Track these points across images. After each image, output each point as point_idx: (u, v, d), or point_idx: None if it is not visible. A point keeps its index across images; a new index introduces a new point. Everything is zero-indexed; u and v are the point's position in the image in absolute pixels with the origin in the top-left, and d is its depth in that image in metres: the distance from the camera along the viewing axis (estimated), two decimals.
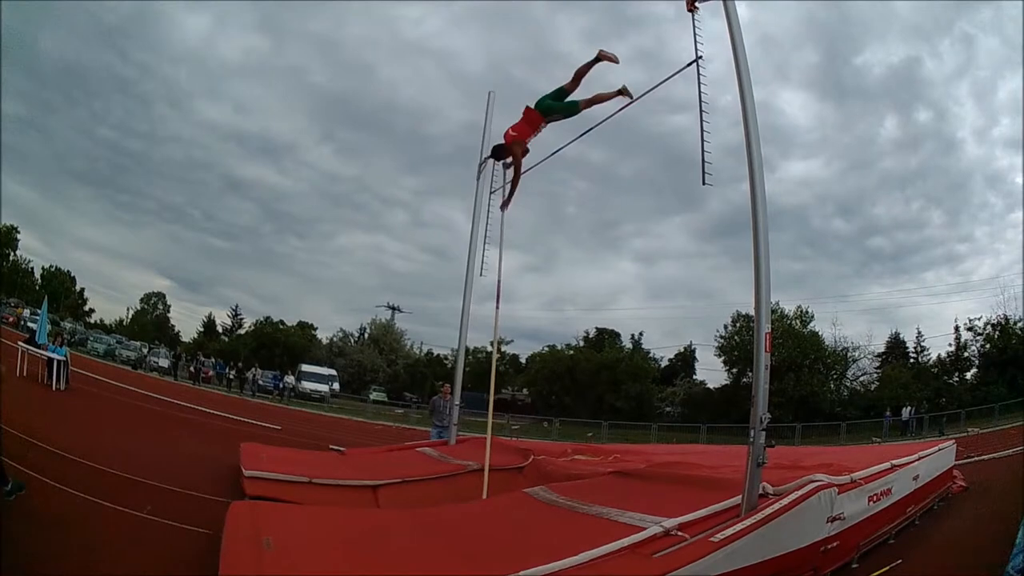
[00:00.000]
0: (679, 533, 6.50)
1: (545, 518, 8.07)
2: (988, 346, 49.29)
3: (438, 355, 77.28)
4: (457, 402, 16.46)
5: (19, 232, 79.11)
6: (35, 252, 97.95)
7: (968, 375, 51.34)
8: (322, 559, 6.08)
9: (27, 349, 22.70)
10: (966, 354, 51.87)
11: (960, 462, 14.58)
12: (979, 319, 51.04)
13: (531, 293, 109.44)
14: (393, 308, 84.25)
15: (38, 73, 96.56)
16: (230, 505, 7.72)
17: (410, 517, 8.23)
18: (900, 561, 8.29)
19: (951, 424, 35.76)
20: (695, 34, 9.13)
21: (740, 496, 7.24)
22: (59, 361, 21.44)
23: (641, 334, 70.83)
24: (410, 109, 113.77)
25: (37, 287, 78.38)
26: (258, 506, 8.04)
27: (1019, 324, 47.89)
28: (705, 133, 8.70)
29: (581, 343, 70.03)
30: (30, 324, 40.41)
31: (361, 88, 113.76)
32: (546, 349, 70.95)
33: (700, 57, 9.01)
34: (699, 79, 8.97)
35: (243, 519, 7.01)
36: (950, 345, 53.51)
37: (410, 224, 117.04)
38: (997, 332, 49.05)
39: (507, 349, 75.49)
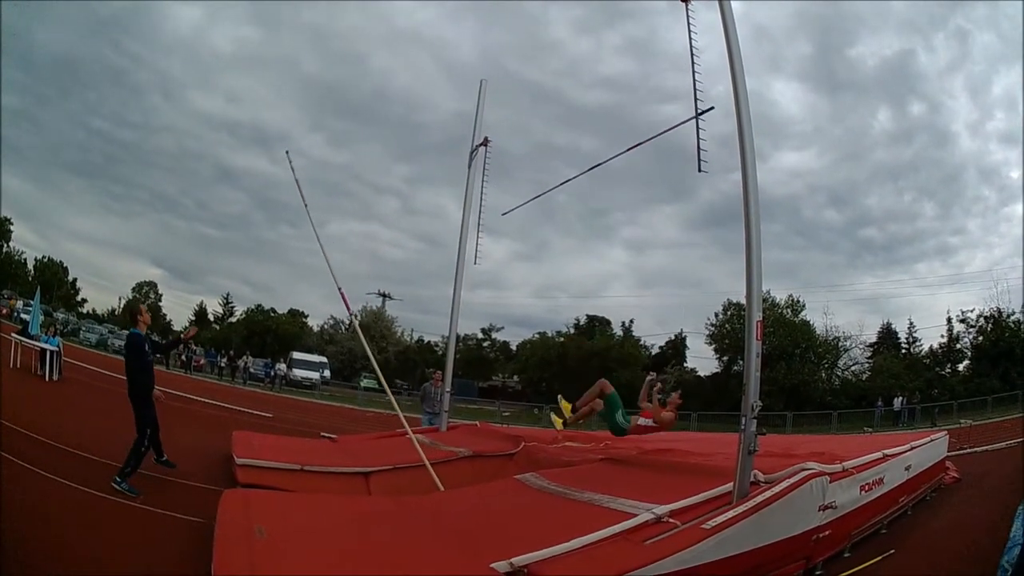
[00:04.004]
0: (670, 520, 6.52)
1: (536, 504, 8.10)
2: (981, 338, 49.32)
3: (429, 342, 77.36)
4: (448, 389, 16.48)
5: (12, 223, 78.95)
6: (28, 243, 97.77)
7: (960, 367, 51.53)
8: (314, 546, 6.08)
9: (20, 340, 22.72)
10: (958, 346, 52.01)
11: (952, 453, 14.60)
12: (972, 311, 51.13)
13: (522, 281, 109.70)
14: (384, 295, 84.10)
15: (32, 65, 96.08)
16: (223, 493, 7.73)
17: (402, 504, 8.25)
18: (893, 551, 8.28)
19: (943, 415, 35.80)
20: (688, 25, 9.12)
21: (731, 483, 7.27)
22: (52, 352, 21.45)
23: (632, 322, 70.99)
24: (402, 98, 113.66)
25: (30, 278, 78.06)
26: (250, 494, 8.03)
27: (1012, 317, 48.06)
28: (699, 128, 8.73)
29: (572, 330, 70.12)
30: (23, 315, 40.36)
31: (353, 77, 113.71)
32: (537, 336, 71.05)
33: (695, 46, 9.01)
34: (693, 70, 8.97)
35: (236, 507, 7.01)
36: (942, 337, 53.63)
37: (401, 212, 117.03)
38: (990, 325, 49.12)
39: (498, 336, 76.38)
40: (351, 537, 6.63)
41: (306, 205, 13.88)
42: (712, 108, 8.82)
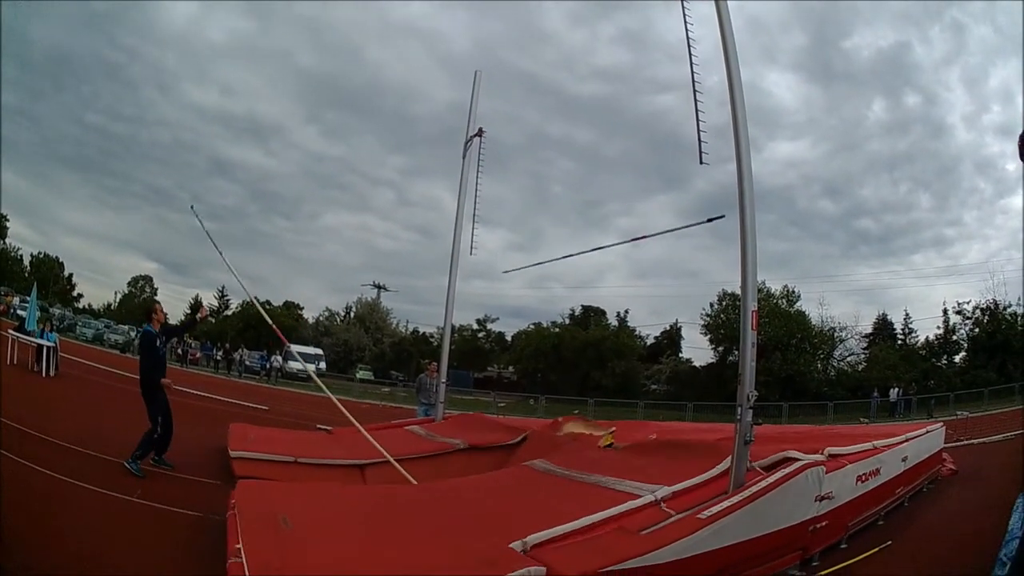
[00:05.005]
0: (666, 508, 6.55)
1: (546, 488, 8.18)
2: (977, 330, 49.32)
3: (424, 333, 77.76)
4: (443, 380, 16.50)
5: (8, 220, 78.88)
6: (24, 239, 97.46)
7: (957, 358, 51.51)
8: (338, 535, 6.15)
9: (17, 337, 22.76)
10: (955, 337, 51.89)
11: (949, 445, 14.58)
12: (968, 303, 51.05)
13: (517, 271, 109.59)
14: (379, 287, 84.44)
15: (27, 60, 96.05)
16: (237, 484, 7.78)
17: (420, 489, 8.53)
18: (890, 543, 8.28)
19: (940, 407, 35.60)
20: (684, 13, 9.12)
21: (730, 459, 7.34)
22: (48, 347, 21.39)
23: (627, 312, 70.89)
24: (396, 90, 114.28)
25: (26, 274, 77.96)
26: (267, 485, 8.05)
27: (1009, 309, 48.12)
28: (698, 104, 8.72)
29: (567, 321, 70.01)
30: (19, 312, 40.29)
31: (347, 69, 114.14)
32: (532, 327, 70.89)
33: (692, 39, 9.00)
34: (690, 55, 8.97)
35: (255, 498, 7.05)
36: (938, 328, 53.54)
37: (396, 203, 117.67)
38: (986, 317, 49.08)
39: (493, 327, 76.62)
40: (374, 523, 6.70)
41: (221, 253, 13.72)
42: (723, 216, 8.88)
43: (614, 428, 12.30)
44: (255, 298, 13.32)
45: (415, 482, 9.56)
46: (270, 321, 14.04)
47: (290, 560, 5.28)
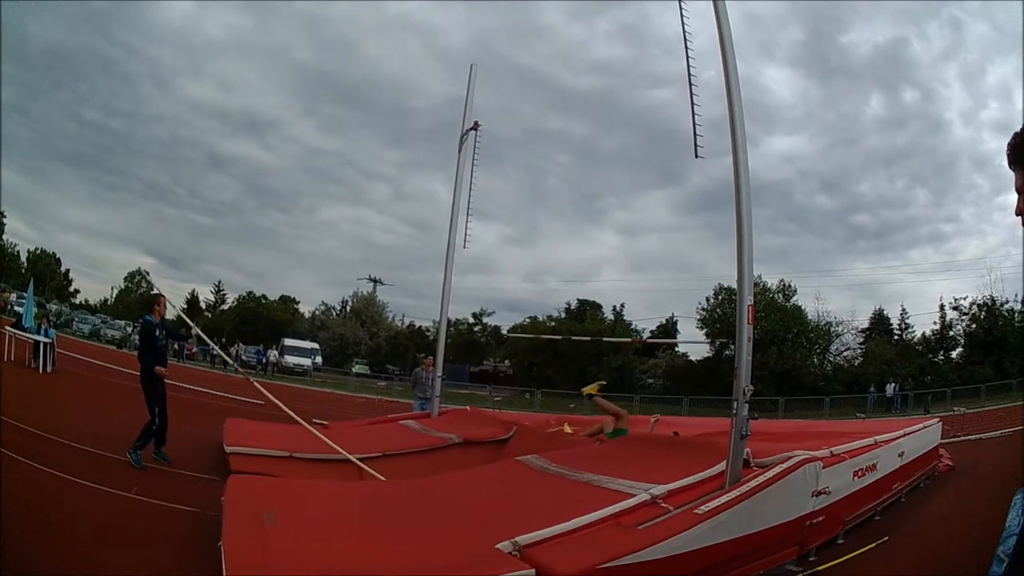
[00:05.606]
0: (663, 504, 6.54)
1: (538, 485, 8.13)
2: (974, 326, 49.32)
3: (420, 327, 77.53)
4: (439, 374, 16.49)
5: (5, 216, 78.70)
6: (21, 236, 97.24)
7: (954, 354, 51.53)
8: (324, 531, 6.11)
9: (14, 333, 22.76)
10: (951, 333, 51.96)
11: (946, 441, 14.57)
12: (965, 299, 50.99)
13: (513, 265, 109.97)
14: (375, 281, 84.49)
15: (24, 57, 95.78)
16: (228, 479, 7.72)
17: (409, 487, 8.34)
18: (886, 539, 8.27)
19: (936, 402, 35.75)
20: (681, 8, 9.10)
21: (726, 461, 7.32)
22: (45, 344, 21.41)
23: (623, 306, 70.94)
24: (393, 84, 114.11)
25: (23, 271, 77.86)
26: (256, 481, 8.01)
27: (1006, 306, 48.19)
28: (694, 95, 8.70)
29: (563, 314, 69.87)
30: (17, 308, 40.24)
31: (344, 64, 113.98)
32: (528, 320, 70.79)
33: (688, 32, 8.98)
34: (687, 49, 8.95)
35: (242, 494, 7.00)
36: (935, 323, 53.56)
37: (392, 197, 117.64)
38: (983, 313, 49.05)
39: (489, 321, 76.40)
40: (361, 521, 6.67)
41: (171, 303, 13.83)
42: (713, 342, 8.96)
43: (604, 381, 12.33)
44: (180, 309, 13.38)
45: (382, 478, 9.54)
46: (198, 330, 14.25)
47: (272, 558, 5.24)
